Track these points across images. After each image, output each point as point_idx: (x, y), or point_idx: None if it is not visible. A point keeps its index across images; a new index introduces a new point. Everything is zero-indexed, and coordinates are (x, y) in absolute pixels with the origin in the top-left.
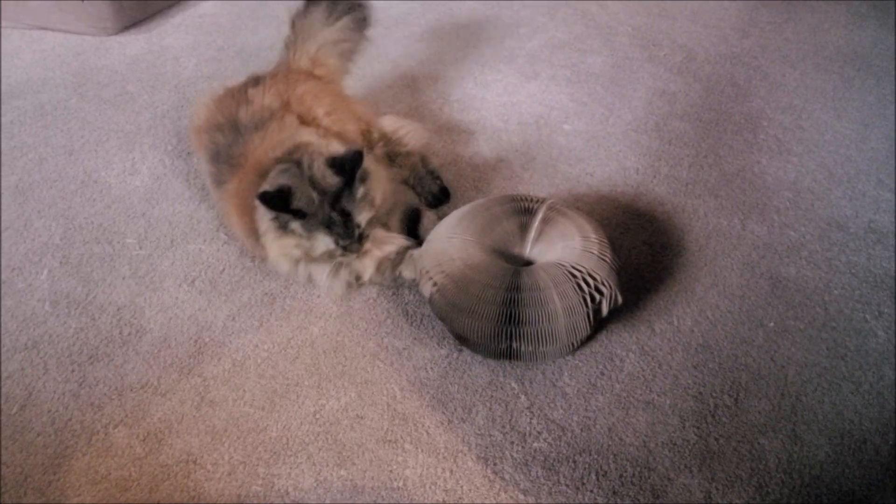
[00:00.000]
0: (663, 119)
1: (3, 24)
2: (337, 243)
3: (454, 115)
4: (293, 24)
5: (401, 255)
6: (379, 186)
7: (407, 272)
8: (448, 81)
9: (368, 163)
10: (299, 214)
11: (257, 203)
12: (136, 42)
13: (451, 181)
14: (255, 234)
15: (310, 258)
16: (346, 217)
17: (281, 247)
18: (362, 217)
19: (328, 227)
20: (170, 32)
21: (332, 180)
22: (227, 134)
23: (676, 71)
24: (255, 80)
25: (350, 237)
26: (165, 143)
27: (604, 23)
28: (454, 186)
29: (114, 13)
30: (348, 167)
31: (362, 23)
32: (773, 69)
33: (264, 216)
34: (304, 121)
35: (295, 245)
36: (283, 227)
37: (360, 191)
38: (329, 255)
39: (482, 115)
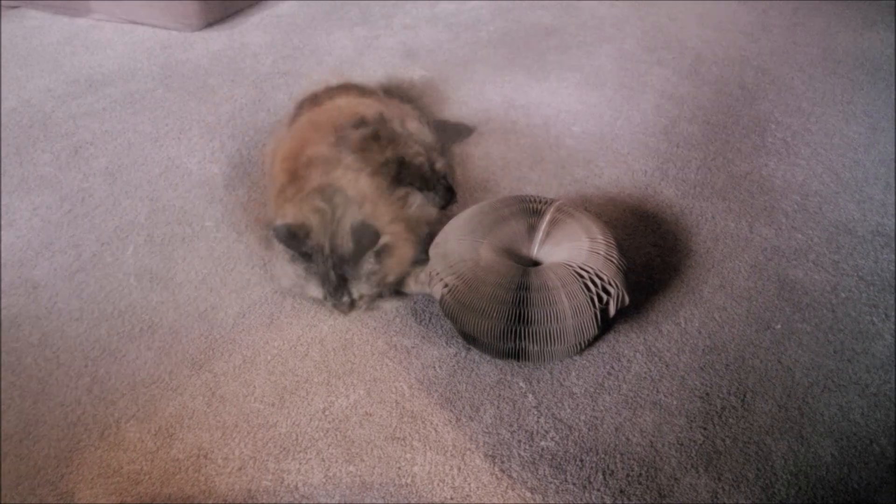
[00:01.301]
0: (672, 122)
1: (98, 17)
2: (325, 297)
3: (462, 115)
4: None
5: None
6: (399, 266)
7: (413, 286)
8: (455, 82)
9: (396, 240)
10: (305, 257)
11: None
12: (218, 38)
13: (460, 180)
14: (283, 192)
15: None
16: (342, 282)
17: (284, 269)
18: (359, 290)
19: (323, 280)
20: (249, 30)
21: (346, 244)
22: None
23: (685, 74)
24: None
25: (338, 299)
26: (243, 135)
27: (612, 26)
28: (463, 186)
29: (199, 10)
30: (362, 244)
31: None
32: (781, 72)
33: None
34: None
35: (295, 275)
36: (291, 257)
37: (368, 267)
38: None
39: (491, 115)
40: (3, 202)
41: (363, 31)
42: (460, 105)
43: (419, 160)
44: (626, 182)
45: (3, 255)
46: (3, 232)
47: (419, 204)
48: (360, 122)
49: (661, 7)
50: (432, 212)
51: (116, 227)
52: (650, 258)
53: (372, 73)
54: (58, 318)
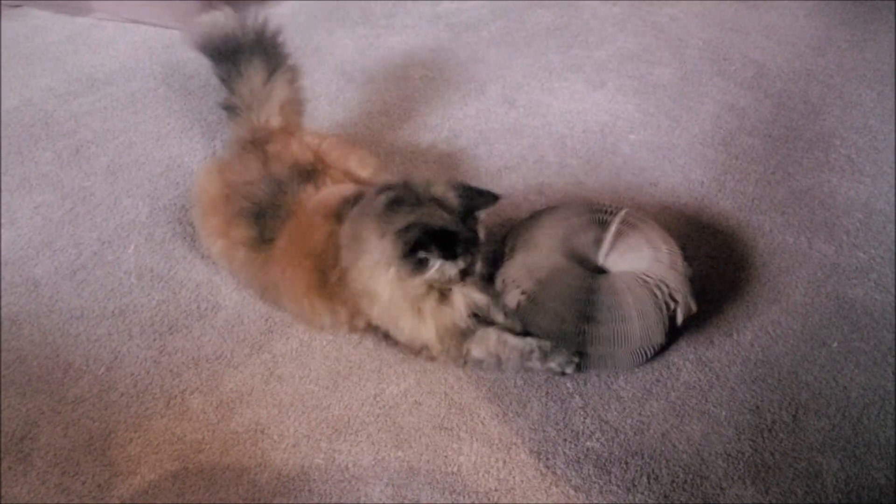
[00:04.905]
0: (731, 133)
1: (100, 16)
2: (461, 267)
3: (520, 119)
4: (233, 90)
5: (471, 328)
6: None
7: (476, 351)
8: (515, 86)
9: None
10: (451, 243)
11: (389, 250)
12: None
13: (516, 183)
14: (320, 284)
15: (423, 300)
16: (475, 235)
17: (406, 290)
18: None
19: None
20: None
21: (455, 200)
22: (267, 188)
23: (747, 86)
24: (257, 142)
25: (473, 256)
26: None
27: (674, 35)
28: (518, 189)
29: (201, 10)
30: (477, 197)
31: (295, 76)
32: (848, 88)
33: (387, 261)
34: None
35: (419, 284)
36: (418, 266)
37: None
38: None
39: (548, 120)
40: (4, 200)
41: (364, 31)
42: (518, 109)
43: (442, 225)
44: (682, 192)
45: (4, 253)
46: (4, 230)
47: (437, 268)
48: (384, 188)
49: (725, 19)
50: (451, 273)
51: (117, 225)
52: (704, 269)
53: (374, 73)
54: (59, 316)
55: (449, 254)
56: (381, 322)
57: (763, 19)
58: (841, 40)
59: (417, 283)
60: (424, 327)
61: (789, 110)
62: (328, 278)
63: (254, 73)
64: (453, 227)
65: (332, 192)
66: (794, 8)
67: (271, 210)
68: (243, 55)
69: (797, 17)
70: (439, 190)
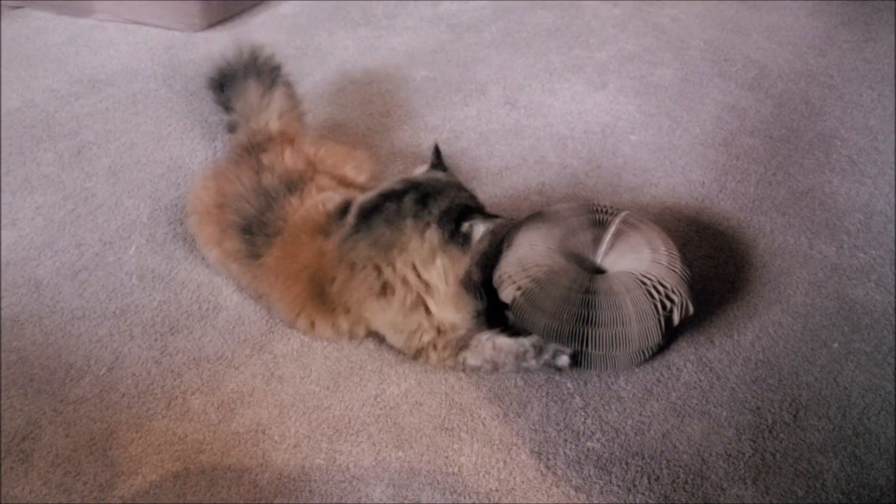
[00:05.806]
0: (732, 134)
1: (101, 17)
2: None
3: (521, 120)
4: (233, 108)
5: (466, 337)
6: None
7: (472, 359)
8: (516, 87)
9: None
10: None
11: (434, 229)
12: (221, 39)
13: (517, 184)
14: (316, 300)
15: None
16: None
17: (456, 269)
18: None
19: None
20: (253, 31)
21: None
22: (256, 202)
23: (748, 87)
24: (251, 149)
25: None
26: None
27: (675, 36)
28: (519, 189)
29: (202, 11)
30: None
31: (292, 91)
32: (849, 89)
33: (432, 251)
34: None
35: (468, 259)
36: (465, 241)
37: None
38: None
39: (549, 121)
40: (6, 201)
41: (366, 32)
42: (519, 110)
43: (472, 202)
44: (683, 192)
45: (6, 254)
46: (6, 231)
47: (483, 231)
48: (409, 185)
49: (726, 19)
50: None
51: (119, 226)
52: (705, 269)
53: (374, 74)
54: (60, 316)
55: (488, 215)
56: (380, 329)
57: (764, 20)
58: (842, 41)
59: (467, 259)
60: (454, 309)
61: (790, 111)
62: (327, 292)
63: (251, 93)
64: (477, 203)
65: (315, 205)
66: (795, 8)
67: (258, 226)
68: (238, 80)
69: (798, 17)
70: (449, 177)
